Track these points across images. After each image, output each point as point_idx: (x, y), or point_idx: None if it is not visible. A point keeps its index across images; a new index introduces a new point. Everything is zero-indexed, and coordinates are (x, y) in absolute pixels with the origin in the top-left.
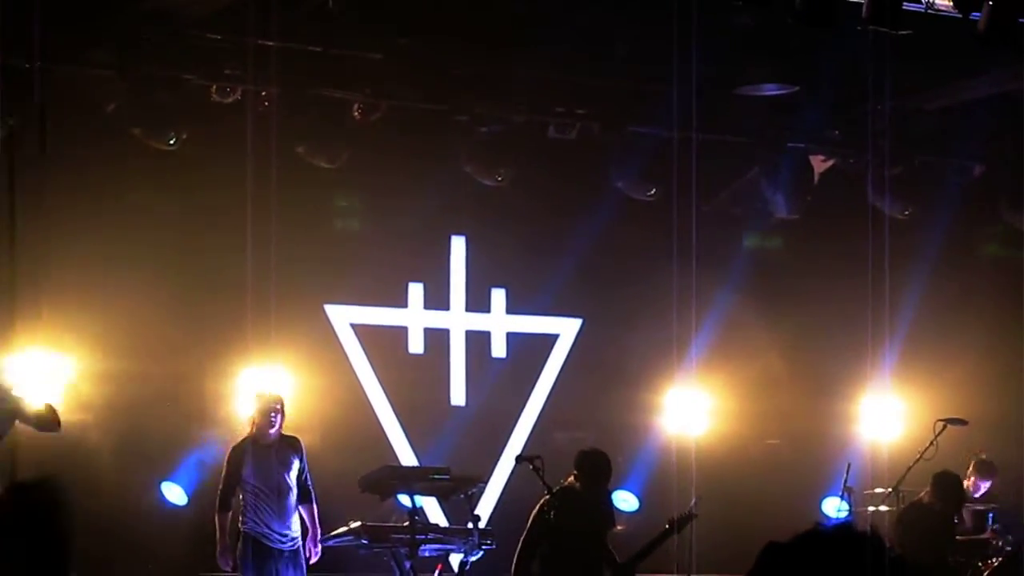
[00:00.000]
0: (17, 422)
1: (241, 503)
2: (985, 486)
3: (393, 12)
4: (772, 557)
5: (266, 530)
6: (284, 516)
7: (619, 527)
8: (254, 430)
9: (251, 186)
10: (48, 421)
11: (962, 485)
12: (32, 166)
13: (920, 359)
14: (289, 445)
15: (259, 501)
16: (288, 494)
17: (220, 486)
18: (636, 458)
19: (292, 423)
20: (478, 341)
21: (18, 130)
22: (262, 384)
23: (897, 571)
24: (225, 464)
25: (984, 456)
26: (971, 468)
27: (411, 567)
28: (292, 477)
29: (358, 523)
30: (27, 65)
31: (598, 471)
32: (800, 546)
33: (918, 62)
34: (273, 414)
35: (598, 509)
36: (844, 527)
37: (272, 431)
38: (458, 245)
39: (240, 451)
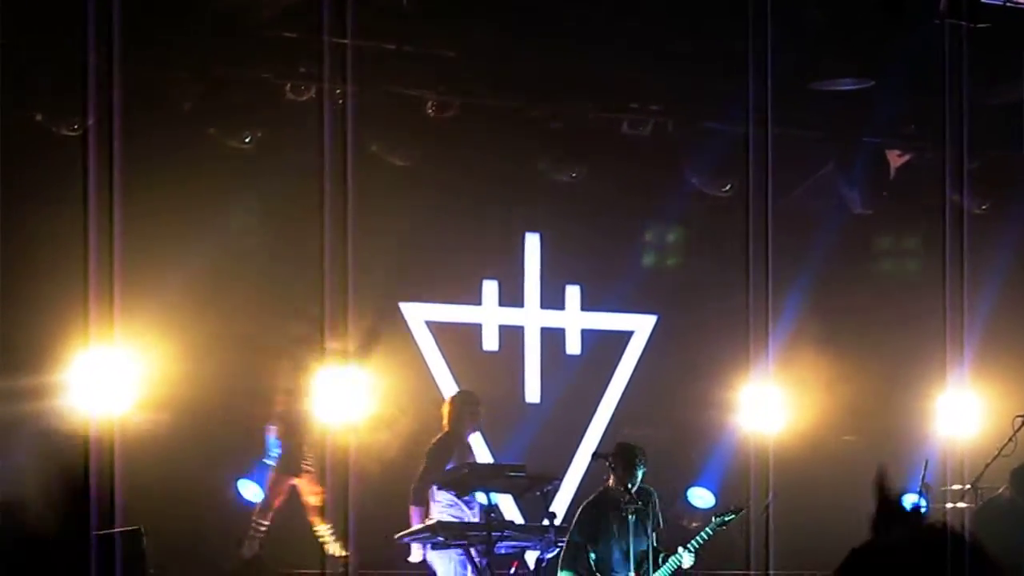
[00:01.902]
0: None
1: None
2: None
3: (467, 9)
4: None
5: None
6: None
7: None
8: (455, 427)
9: (325, 184)
10: None
11: None
12: (108, 166)
13: (998, 355)
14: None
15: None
16: None
17: (418, 481)
18: (712, 455)
19: (368, 421)
20: (553, 338)
21: (94, 130)
22: (340, 381)
23: (981, 570)
24: (428, 459)
25: None
26: None
27: (487, 564)
28: None
29: (434, 520)
30: (103, 65)
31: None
32: (886, 550)
33: (995, 55)
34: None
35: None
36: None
37: (474, 429)
38: (532, 242)
39: (445, 448)
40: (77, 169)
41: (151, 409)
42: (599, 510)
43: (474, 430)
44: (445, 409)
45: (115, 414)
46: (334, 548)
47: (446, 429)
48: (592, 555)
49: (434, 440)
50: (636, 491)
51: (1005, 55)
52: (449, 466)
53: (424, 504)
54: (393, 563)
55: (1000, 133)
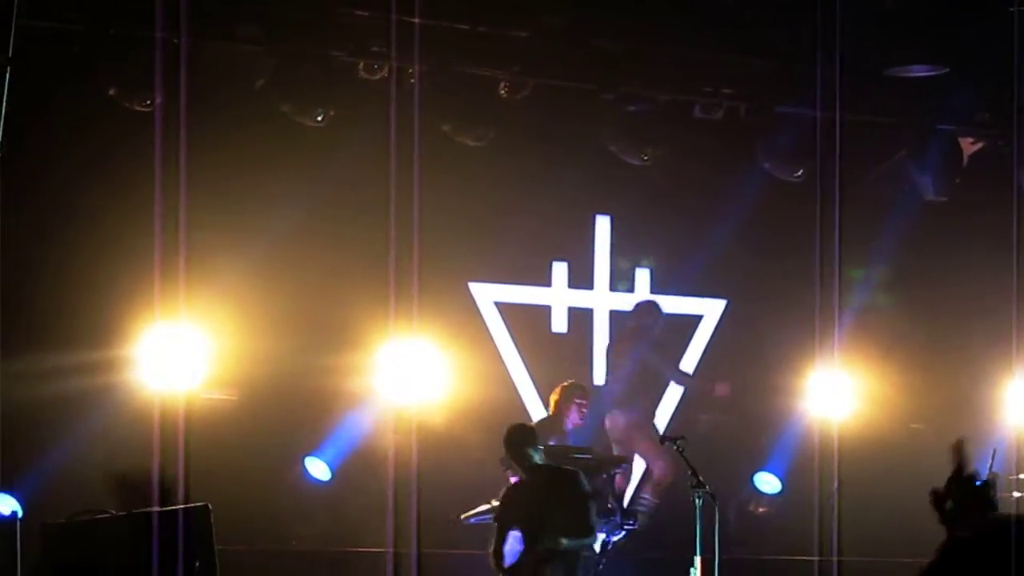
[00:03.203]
0: None
1: None
2: None
3: None
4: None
5: None
6: None
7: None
8: (558, 414)
9: (396, 163)
10: None
11: None
12: (178, 142)
13: None
14: None
15: None
16: None
17: None
18: (779, 440)
19: (435, 401)
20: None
21: (166, 105)
22: (407, 360)
23: None
24: None
25: None
26: None
27: None
28: None
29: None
30: (176, 40)
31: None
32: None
33: None
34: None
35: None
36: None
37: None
38: (603, 224)
39: (544, 431)
40: (149, 145)
41: (219, 386)
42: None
43: (576, 422)
44: (553, 396)
45: (183, 391)
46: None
47: (551, 414)
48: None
49: (537, 422)
50: (547, 470)
51: None
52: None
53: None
54: (457, 543)
55: None
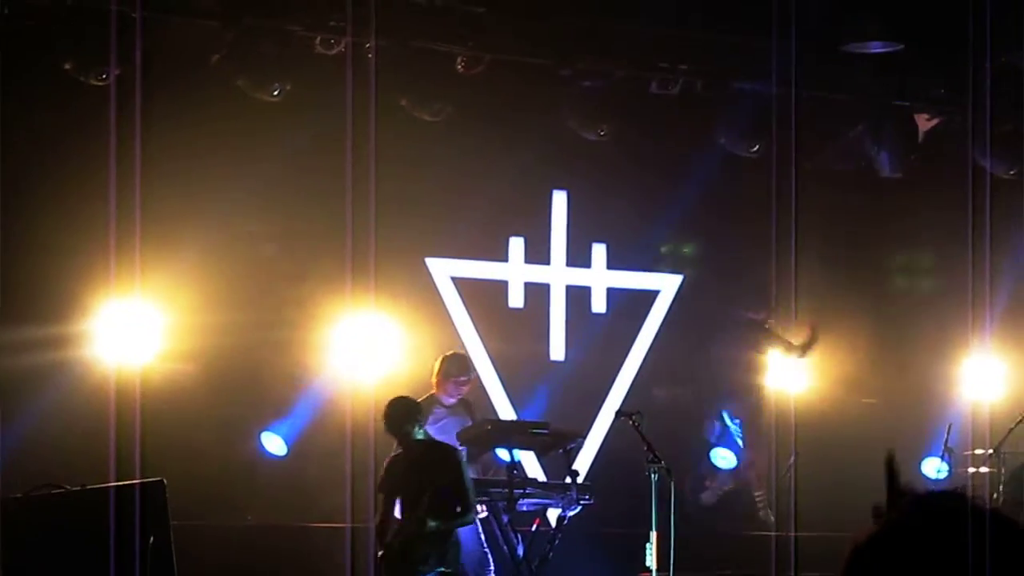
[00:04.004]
0: None
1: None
2: None
3: None
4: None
5: None
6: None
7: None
8: (438, 390)
9: (353, 138)
10: None
11: None
12: (134, 116)
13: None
14: None
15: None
16: None
17: None
18: (735, 416)
19: (391, 376)
20: (578, 296)
21: (122, 79)
22: (361, 335)
23: (1006, 536)
24: None
25: None
26: None
27: (508, 521)
28: None
29: None
30: (132, 14)
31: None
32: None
33: None
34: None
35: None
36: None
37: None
38: (559, 200)
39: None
40: (105, 119)
41: (174, 360)
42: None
43: (454, 399)
44: (434, 367)
45: (138, 365)
46: (764, 515)
47: (432, 390)
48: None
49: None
50: (423, 446)
51: None
52: (430, 424)
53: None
54: None
55: None
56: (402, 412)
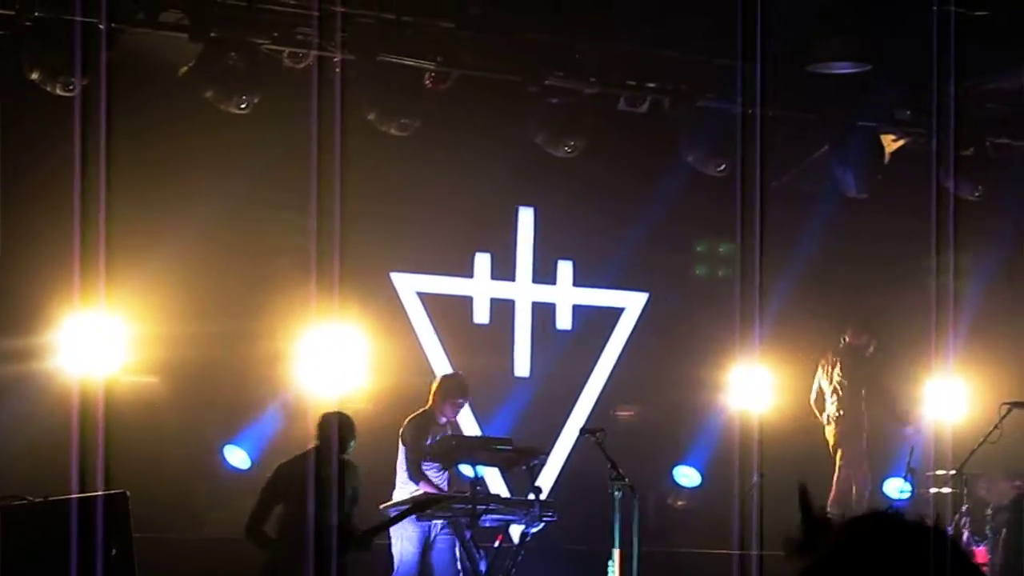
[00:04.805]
0: None
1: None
2: None
3: None
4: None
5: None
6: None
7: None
8: (433, 408)
9: (320, 152)
10: None
11: None
12: (100, 127)
13: (986, 342)
14: None
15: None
16: None
17: (408, 461)
18: (699, 434)
19: (357, 390)
20: (543, 313)
21: (89, 90)
22: (326, 349)
23: (962, 565)
24: (407, 438)
25: None
26: None
27: (471, 537)
28: None
29: (420, 492)
30: (100, 25)
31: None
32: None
33: (992, 42)
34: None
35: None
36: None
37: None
38: (526, 216)
39: (422, 426)
40: (72, 130)
41: (138, 372)
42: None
43: (449, 418)
44: (432, 386)
45: (102, 376)
46: None
47: (428, 406)
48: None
49: (412, 416)
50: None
51: (1003, 43)
52: (429, 441)
53: (425, 478)
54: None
55: (996, 120)
56: (349, 428)
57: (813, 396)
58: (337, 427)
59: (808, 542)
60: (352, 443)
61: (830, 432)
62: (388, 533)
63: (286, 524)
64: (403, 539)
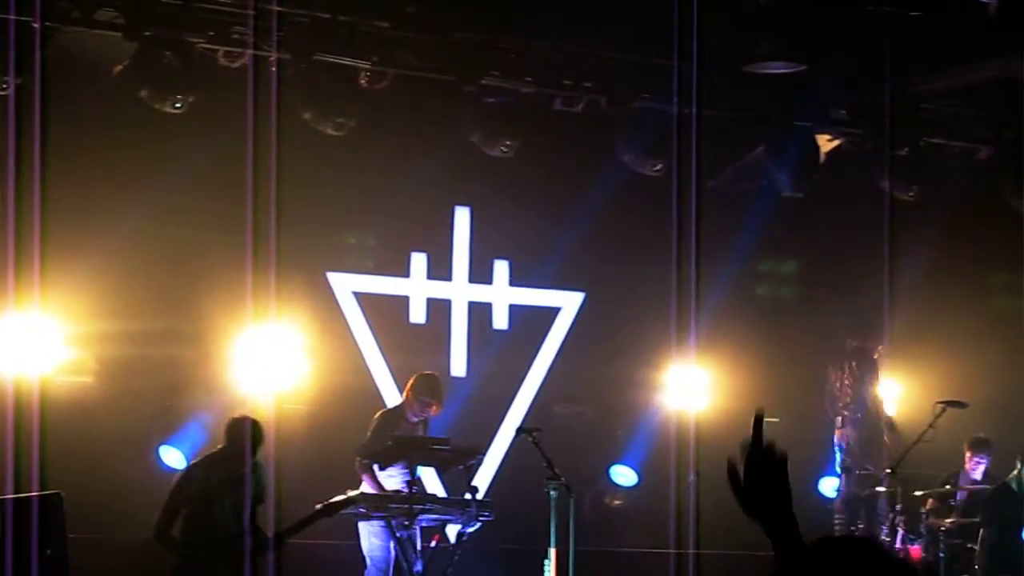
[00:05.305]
0: None
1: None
2: (981, 463)
3: None
4: None
5: None
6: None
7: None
8: (406, 405)
9: (255, 151)
10: None
11: None
12: (35, 125)
13: (920, 341)
14: None
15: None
16: None
17: (362, 450)
18: (635, 433)
19: (293, 390)
20: (480, 312)
21: (23, 89)
22: (262, 349)
23: None
24: (372, 428)
25: (981, 435)
26: (966, 446)
27: (408, 537)
28: None
29: (356, 492)
30: (33, 23)
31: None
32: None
33: (928, 43)
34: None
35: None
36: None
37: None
38: (462, 216)
39: (390, 420)
40: (5, 128)
41: (73, 372)
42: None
43: (419, 417)
44: (408, 383)
45: (37, 376)
46: None
47: (401, 402)
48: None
49: (385, 410)
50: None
51: (937, 43)
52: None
53: (370, 472)
54: (315, 532)
55: (931, 120)
56: (260, 432)
57: (828, 399)
58: (249, 431)
59: (749, 469)
60: (261, 447)
61: (846, 433)
62: (356, 531)
63: (191, 527)
64: (369, 535)
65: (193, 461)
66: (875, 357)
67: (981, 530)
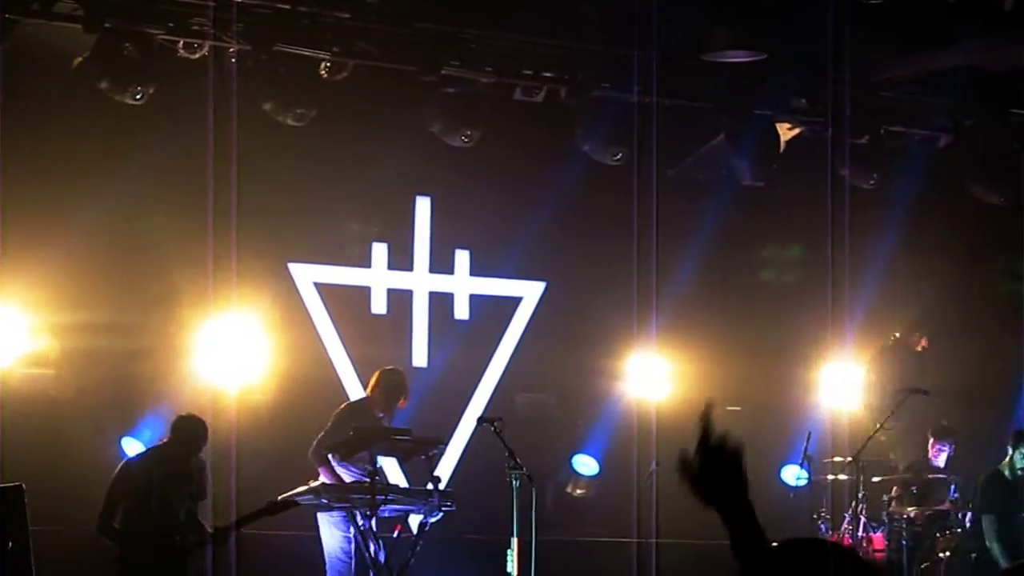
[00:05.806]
0: None
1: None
2: (943, 450)
3: None
4: None
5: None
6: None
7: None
8: (370, 400)
9: (216, 142)
10: None
11: None
12: None
13: (882, 327)
14: None
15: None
16: None
17: (318, 443)
18: (597, 423)
19: (255, 381)
20: (441, 303)
21: None
22: (224, 340)
23: None
24: (332, 421)
25: (944, 422)
26: (930, 433)
27: (370, 527)
28: None
29: (318, 482)
30: None
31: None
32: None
33: (887, 31)
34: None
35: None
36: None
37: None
38: (423, 206)
39: (353, 414)
40: None
41: (35, 364)
42: None
43: (385, 413)
44: (372, 378)
45: None
46: None
47: (366, 395)
48: None
49: (346, 404)
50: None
51: (897, 31)
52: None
53: (327, 464)
54: (275, 524)
55: (891, 109)
56: (205, 432)
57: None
58: (194, 430)
59: (699, 459)
60: (205, 446)
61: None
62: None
63: (130, 520)
64: (330, 526)
65: (134, 454)
66: (918, 351)
67: (983, 518)
